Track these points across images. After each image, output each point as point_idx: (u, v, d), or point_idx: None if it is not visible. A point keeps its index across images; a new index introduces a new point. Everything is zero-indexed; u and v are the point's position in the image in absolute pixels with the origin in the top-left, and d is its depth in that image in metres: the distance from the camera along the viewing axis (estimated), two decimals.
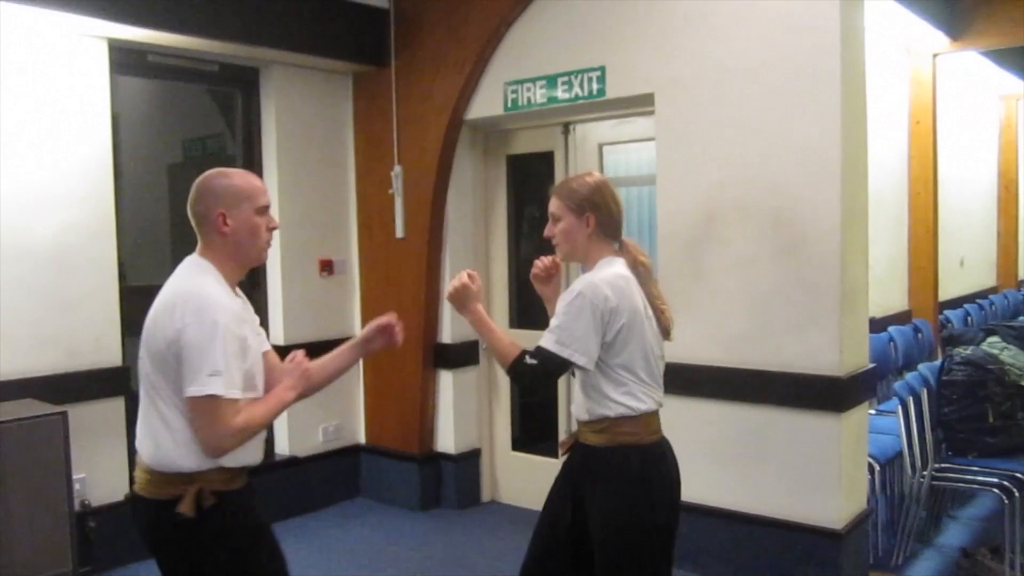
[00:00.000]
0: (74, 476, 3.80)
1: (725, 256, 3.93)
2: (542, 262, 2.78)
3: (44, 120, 4.02)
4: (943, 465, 4.23)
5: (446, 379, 5.08)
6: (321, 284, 5.17)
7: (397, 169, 5.03)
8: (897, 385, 4.25)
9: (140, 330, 2.24)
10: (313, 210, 5.21)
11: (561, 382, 4.88)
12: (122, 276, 4.42)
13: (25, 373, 3.95)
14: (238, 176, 2.29)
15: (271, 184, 5.04)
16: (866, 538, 3.97)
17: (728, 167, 3.89)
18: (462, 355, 5.12)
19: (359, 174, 5.35)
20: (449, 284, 2.64)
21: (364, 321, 5.18)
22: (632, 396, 2.52)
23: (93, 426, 4.16)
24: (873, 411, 4.79)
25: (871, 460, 4.10)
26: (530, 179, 5.26)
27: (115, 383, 4.29)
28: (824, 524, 3.71)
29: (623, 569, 2.54)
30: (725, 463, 3.98)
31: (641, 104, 4.27)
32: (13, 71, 3.91)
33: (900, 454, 4.23)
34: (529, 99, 4.61)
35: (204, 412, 2.09)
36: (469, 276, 2.62)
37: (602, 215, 2.59)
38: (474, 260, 5.18)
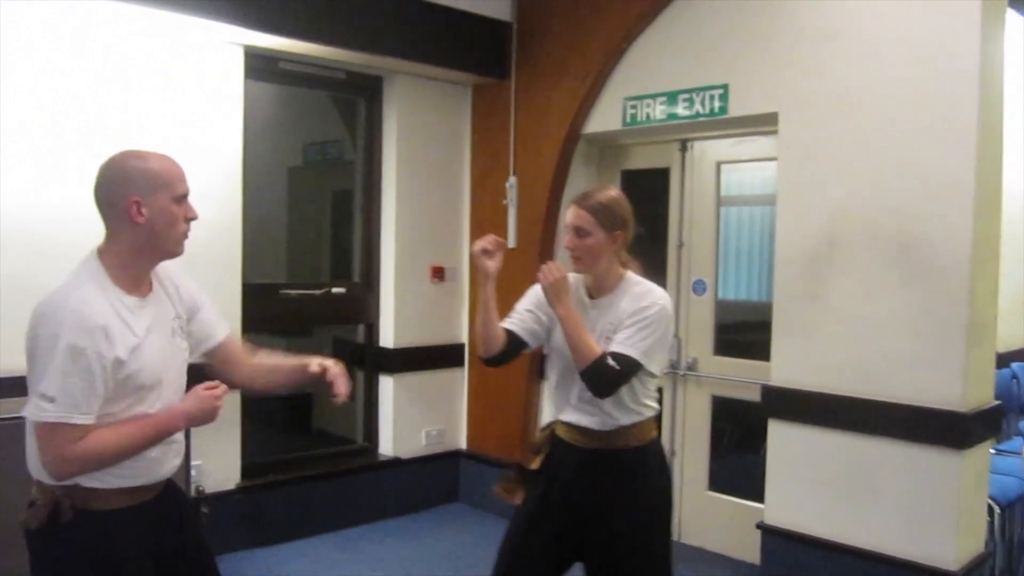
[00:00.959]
0: (191, 463, 3.96)
1: (847, 282, 3.83)
2: (490, 240, 2.60)
3: (185, 121, 4.21)
4: None
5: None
6: (432, 290, 5.26)
7: (512, 180, 5.09)
8: (1022, 424, 4.07)
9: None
10: (428, 217, 5.31)
11: (667, 398, 4.84)
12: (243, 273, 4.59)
13: None
14: (155, 159, 2.02)
15: (389, 190, 5.17)
16: None
17: (854, 190, 3.80)
18: None
19: (474, 183, 5.43)
20: (545, 273, 2.55)
21: (471, 328, 5.25)
22: (655, 396, 2.70)
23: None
24: (994, 450, 4.58)
25: (991, 502, 3.93)
26: (645, 196, 5.23)
27: None
28: (939, 565, 3.57)
29: (661, 560, 2.65)
30: (835, 494, 3.87)
31: (763, 123, 4.21)
32: (158, 75, 4.11)
33: (1022, 497, 4.04)
34: (648, 115, 4.59)
35: (40, 435, 1.88)
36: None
37: (629, 233, 2.64)
38: None
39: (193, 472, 4.15)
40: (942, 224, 3.55)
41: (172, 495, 2.18)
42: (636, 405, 2.62)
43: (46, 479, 1.94)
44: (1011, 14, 3.95)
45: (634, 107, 4.65)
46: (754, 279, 5.07)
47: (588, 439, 2.63)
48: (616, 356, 2.49)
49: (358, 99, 5.30)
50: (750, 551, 4.34)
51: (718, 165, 4.70)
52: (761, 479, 4.17)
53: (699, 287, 4.74)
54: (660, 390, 4.82)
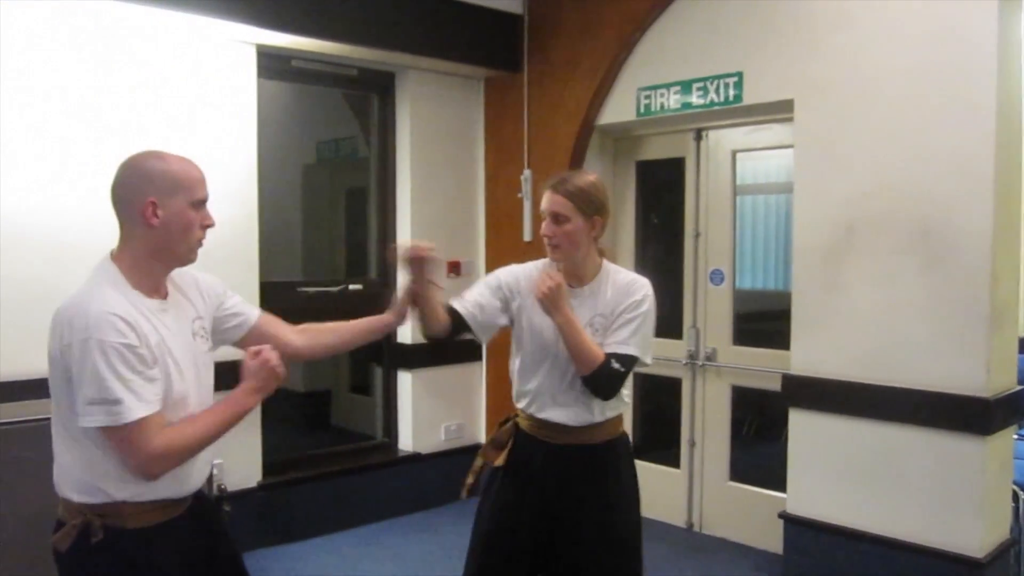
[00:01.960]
0: (213, 462, 3.97)
1: (865, 268, 3.80)
2: (421, 248, 2.46)
3: (199, 121, 4.22)
4: None
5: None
6: (448, 285, 5.16)
7: (526, 173, 5.08)
8: None
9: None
10: (443, 212, 5.31)
11: (687, 389, 4.83)
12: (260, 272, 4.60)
13: None
14: (175, 161, 1.96)
15: (404, 185, 5.17)
16: (1007, 570, 3.77)
17: (872, 176, 3.77)
18: None
19: (488, 177, 5.42)
20: (540, 283, 2.44)
21: None
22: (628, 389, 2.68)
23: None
24: (1017, 436, 4.54)
25: (1015, 487, 3.90)
26: (661, 186, 5.22)
27: None
28: (964, 552, 3.54)
29: (636, 553, 2.63)
30: (858, 482, 3.85)
31: (778, 110, 4.18)
32: (171, 74, 4.12)
33: None
34: (662, 105, 4.57)
35: (118, 441, 1.82)
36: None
37: (606, 219, 2.57)
38: None
39: (215, 471, 4.17)
40: (962, 208, 3.52)
41: (202, 509, 2.12)
42: (617, 400, 2.59)
43: (75, 496, 1.88)
44: None
45: (648, 97, 4.63)
46: (771, 268, 5.05)
47: (559, 434, 2.57)
48: (619, 357, 2.46)
49: (371, 95, 5.30)
50: (772, 541, 4.32)
51: (733, 154, 4.67)
52: (782, 469, 4.16)
53: (716, 277, 4.72)
54: (679, 382, 4.85)
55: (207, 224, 2.00)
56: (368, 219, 5.45)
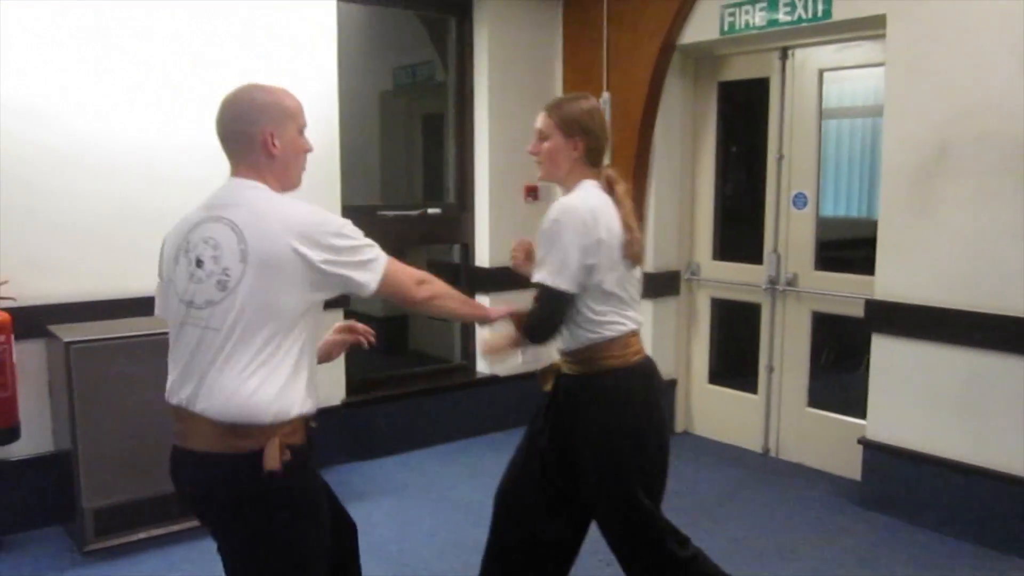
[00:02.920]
0: None
1: (958, 191, 3.67)
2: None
3: (280, 48, 4.25)
4: None
5: (646, 308, 5.06)
6: (526, 210, 5.25)
7: (605, 96, 5.00)
8: None
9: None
10: (521, 137, 5.18)
11: (766, 315, 4.78)
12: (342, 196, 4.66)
13: None
14: (280, 92, 2.04)
15: (482, 110, 5.15)
16: None
17: (968, 93, 3.61)
18: (663, 285, 5.09)
19: None
20: (484, 343, 2.64)
21: None
22: (619, 315, 2.50)
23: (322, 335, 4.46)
24: None
25: None
26: (743, 108, 5.10)
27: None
28: None
29: (617, 499, 2.51)
30: (944, 410, 3.79)
31: (869, 27, 4.02)
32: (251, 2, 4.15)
33: None
34: (747, 22, 4.43)
35: (390, 288, 2.05)
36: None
37: (591, 141, 2.52)
38: (680, 191, 5.11)
39: None
40: None
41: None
42: (586, 323, 2.47)
43: (268, 418, 1.89)
44: None
45: (732, 14, 4.49)
46: (856, 195, 4.92)
47: (563, 362, 2.60)
48: (537, 291, 2.42)
49: (448, 19, 5.26)
50: (849, 467, 4.30)
51: (820, 73, 4.51)
52: (861, 397, 4.11)
53: (799, 201, 4.61)
54: (758, 307, 4.80)
55: (307, 149, 2.09)
56: (446, 144, 5.46)
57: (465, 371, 5.40)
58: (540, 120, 2.57)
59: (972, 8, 3.58)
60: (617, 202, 2.52)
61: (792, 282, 4.68)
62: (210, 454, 1.91)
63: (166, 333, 2.02)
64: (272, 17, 4.22)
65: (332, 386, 4.60)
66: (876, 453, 4.05)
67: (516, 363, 4.54)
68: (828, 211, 4.74)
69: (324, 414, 4.48)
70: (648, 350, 2.65)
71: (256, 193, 1.96)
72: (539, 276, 2.41)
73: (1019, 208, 3.49)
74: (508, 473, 2.75)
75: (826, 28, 4.20)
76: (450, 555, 3.64)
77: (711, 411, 5.21)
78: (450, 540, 3.79)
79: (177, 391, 1.95)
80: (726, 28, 4.53)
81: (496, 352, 2.60)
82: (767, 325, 4.82)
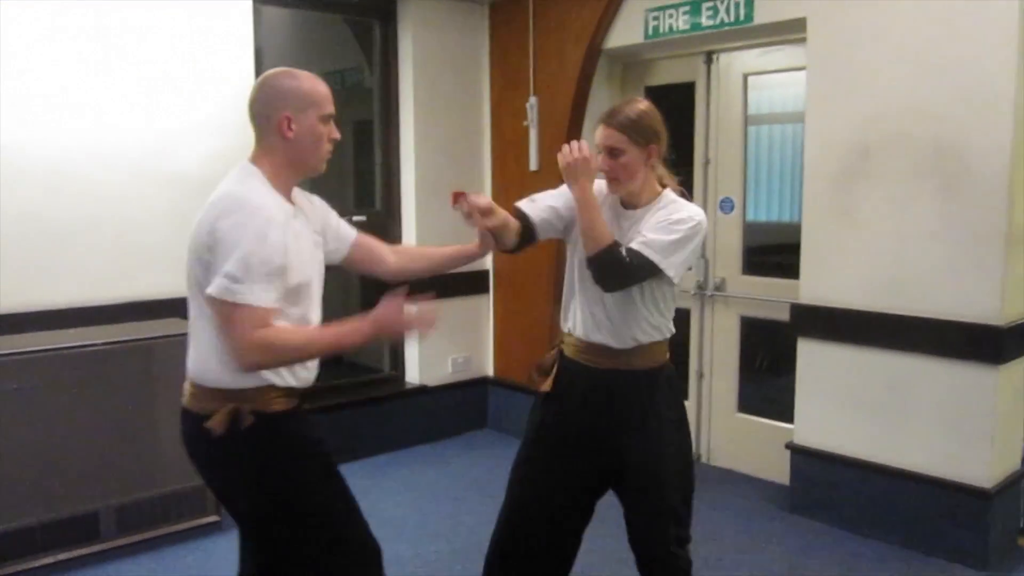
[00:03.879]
0: None
1: (878, 194, 3.68)
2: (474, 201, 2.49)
3: (193, 51, 4.11)
4: None
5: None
6: (453, 215, 5.11)
7: (532, 100, 4.94)
8: None
9: None
10: (448, 142, 5.20)
11: (695, 320, 4.75)
12: None
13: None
14: (307, 79, 2.15)
15: (407, 115, 5.06)
16: (1017, 500, 3.73)
17: (886, 97, 3.62)
18: None
19: (494, 105, 5.29)
20: (567, 152, 2.40)
21: (495, 255, 5.17)
22: (672, 315, 2.59)
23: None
24: None
25: None
26: (670, 112, 5.04)
27: None
28: (972, 482, 3.50)
29: (676, 490, 2.57)
30: (867, 412, 3.79)
31: (790, 30, 4.02)
32: (163, 2, 4.00)
33: None
34: (671, 26, 4.41)
35: (222, 316, 1.95)
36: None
37: (662, 145, 2.48)
38: None
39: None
40: (980, 129, 3.38)
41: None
42: (655, 319, 2.50)
43: (227, 381, 2.03)
44: None
45: (656, 18, 4.47)
46: (784, 200, 4.92)
47: (601, 358, 2.53)
48: (632, 251, 2.36)
49: (372, 22, 5.16)
50: (780, 472, 4.29)
51: (745, 77, 4.51)
52: (791, 401, 4.10)
53: (726, 205, 4.60)
54: (687, 312, 4.77)
55: (333, 137, 2.19)
56: (374, 150, 5.35)
57: (394, 381, 5.30)
58: (607, 136, 2.43)
59: (889, 11, 3.59)
60: None
61: (720, 287, 4.66)
62: (185, 410, 2.13)
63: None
64: (192, 20, 4.09)
65: None
66: (803, 458, 4.04)
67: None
68: (757, 216, 4.73)
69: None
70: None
71: (226, 181, 2.09)
72: (648, 251, 2.36)
73: (937, 211, 3.51)
74: (505, 531, 2.67)
75: (749, 32, 4.20)
76: None
77: None
78: None
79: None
80: (650, 32, 4.50)
81: (575, 168, 2.40)
82: (696, 330, 4.80)
